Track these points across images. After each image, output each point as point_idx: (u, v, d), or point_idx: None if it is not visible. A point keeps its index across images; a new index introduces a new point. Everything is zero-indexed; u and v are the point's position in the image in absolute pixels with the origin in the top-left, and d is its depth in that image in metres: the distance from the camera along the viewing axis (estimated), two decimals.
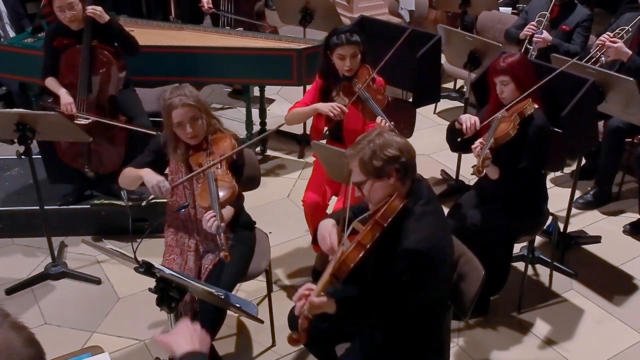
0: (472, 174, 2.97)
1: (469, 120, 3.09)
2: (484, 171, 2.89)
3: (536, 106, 3.07)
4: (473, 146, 2.98)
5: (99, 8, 3.66)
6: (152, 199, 2.85)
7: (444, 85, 5.74)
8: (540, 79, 3.12)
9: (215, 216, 2.56)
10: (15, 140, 3.28)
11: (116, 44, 3.84)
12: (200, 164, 2.78)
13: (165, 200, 2.96)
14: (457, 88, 5.98)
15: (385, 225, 2.16)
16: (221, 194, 2.67)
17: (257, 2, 5.53)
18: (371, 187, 2.22)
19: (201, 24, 5.59)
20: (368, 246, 2.13)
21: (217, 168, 2.75)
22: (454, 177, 4.52)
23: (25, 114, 3.24)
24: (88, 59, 3.72)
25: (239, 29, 5.04)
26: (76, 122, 3.65)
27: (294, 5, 4.93)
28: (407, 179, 2.24)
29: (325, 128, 3.54)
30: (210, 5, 5.23)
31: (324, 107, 3.31)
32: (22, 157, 3.32)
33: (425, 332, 2.35)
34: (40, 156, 3.97)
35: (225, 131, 2.92)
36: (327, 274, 2.11)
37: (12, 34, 4.89)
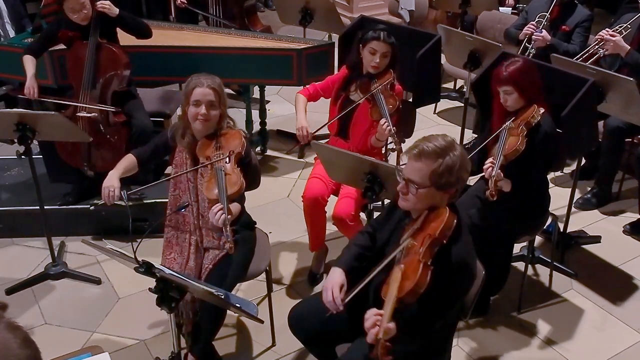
0: (485, 197, 2.89)
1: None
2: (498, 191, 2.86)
3: (542, 110, 3.05)
4: (485, 167, 2.92)
5: (108, 2, 3.67)
6: (104, 203, 2.89)
7: (444, 85, 5.73)
8: (542, 80, 3.11)
9: (222, 209, 2.55)
10: (16, 140, 3.27)
11: (129, 32, 3.87)
12: (209, 156, 2.78)
13: (167, 200, 2.97)
14: (457, 88, 5.98)
15: (445, 242, 2.14)
16: (229, 188, 2.67)
17: (246, 1, 5.53)
18: (425, 193, 2.18)
19: (197, 24, 5.59)
20: (429, 263, 2.10)
21: (226, 162, 2.75)
22: None
23: (25, 114, 3.23)
24: (94, 55, 3.72)
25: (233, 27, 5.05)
26: (78, 114, 3.68)
27: (293, 5, 4.92)
28: (454, 199, 2.25)
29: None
30: (184, 1, 5.24)
31: (298, 122, 3.42)
32: (22, 157, 3.33)
33: (437, 335, 2.33)
34: (40, 156, 3.97)
35: (235, 128, 2.94)
36: (392, 296, 2.04)
37: (12, 33, 4.88)
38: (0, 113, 3.36)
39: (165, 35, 4.64)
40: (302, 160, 4.91)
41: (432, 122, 5.43)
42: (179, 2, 5.26)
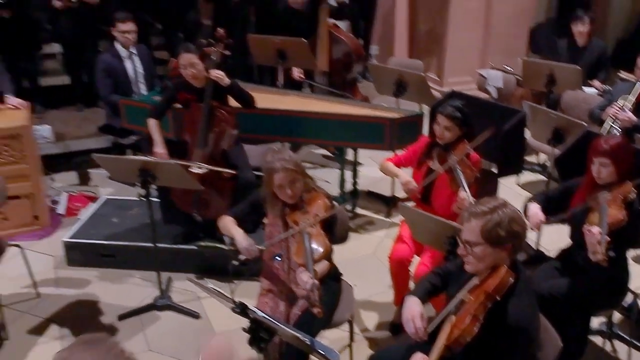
0: (594, 262, 2.68)
1: (535, 219, 2.98)
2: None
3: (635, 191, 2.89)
4: (591, 232, 2.69)
5: (222, 72, 3.86)
6: (247, 259, 2.91)
7: (527, 158, 5.59)
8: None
9: (310, 276, 2.54)
10: (138, 184, 3.44)
11: (236, 101, 4.03)
12: (296, 221, 2.79)
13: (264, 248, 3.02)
14: (540, 162, 5.82)
15: (499, 298, 2.09)
16: (315, 252, 2.66)
17: (349, 74, 5.66)
18: (482, 251, 2.15)
19: (300, 90, 5.77)
20: (481, 317, 2.06)
21: (312, 227, 2.76)
22: (534, 247, 4.35)
23: (148, 162, 3.41)
24: (207, 116, 3.90)
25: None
26: (191, 170, 3.82)
27: (389, 78, 5.00)
28: (515, 255, 2.19)
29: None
30: (302, 75, 5.42)
31: (402, 178, 3.39)
32: (143, 199, 3.48)
33: None
34: (157, 199, 4.16)
35: (318, 190, 2.95)
36: (440, 344, 2.02)
37: (144, 92, 5.21)
38: (127, 160, 3.58)
39: (272, 99, 4.80)
40: (388, 219, 4.88)
41: (514, 193, 5.28)
42: (297, 76, 5.47)
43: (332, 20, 5.70)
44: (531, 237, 4.40)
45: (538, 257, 4.24)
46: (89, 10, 5.72)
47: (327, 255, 2.77)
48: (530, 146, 5.23)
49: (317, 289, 2.51)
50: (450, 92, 4.27)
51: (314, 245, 2.69)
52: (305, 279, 2.55)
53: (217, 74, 3.87)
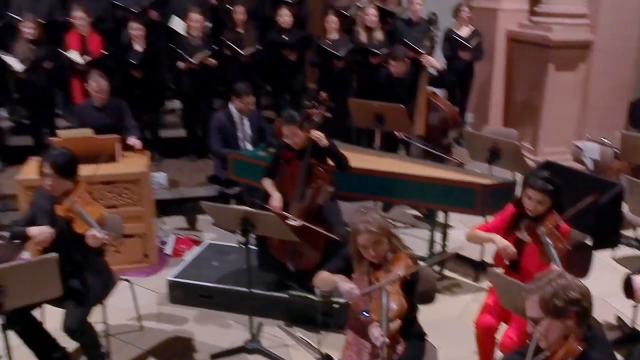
0: None
1: None
2: None
3: None
4: None
5: (321, 134, 3.96)
6: (346, 302, 2.89)
7: (624, 232, 5.25)
8: None
9: (382, 333, 2.51)
10: (238, 232, 3.54)
11: (332, 161, 4.09)
12: (378, 279, 2.79)
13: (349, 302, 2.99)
14: (638, 237, 5.44)
15: None
16: (391, 310, 2.64)
17: (444, 139, 5.62)
18: (547, 325, 2.08)
19: (396, 152, 5.78)
20: None
21: (390, 285, 2.73)
22: (629, 325, 4.02)
23: (249, 212, 3.50)
24: (306, 173, 3.99)
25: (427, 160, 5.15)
26: (287, 222, 3.89)
27: (483, 145, 4.91)
28: (583, 323, 2.07)
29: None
30: (404, 137, 5.45)
31: (499, 242, 3.21)
32: (242, 245, 3.58)
33: None
34: (255, 247, 4.24)
35: (404, 251, 2.91)
36: None
37: (250, 147, 5.41)
38: (230, 209, 3.71)
39: (368, 160, 4.84)
40: (476, 284, 4.71)
41: (609, 266, 4.95)
42: (400, 136, 5.52)
43: (430, 88, 5.74)
44: (627, 315, 4.10)
45: (634, 335, 3.93)
46: (208, 72, 6.09)
47: (402, 315, 2.72)
48: (627, 220, 4.92)
49: (386, 346, 2.47)
50: (545, 162, 4.13)
51: (390, 303, 2.66)
52: (377, 335, 2.52)
53: (317, 135, 3.97)
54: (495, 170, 4.91)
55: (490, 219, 3.54)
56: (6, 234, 3.86)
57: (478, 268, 4.80)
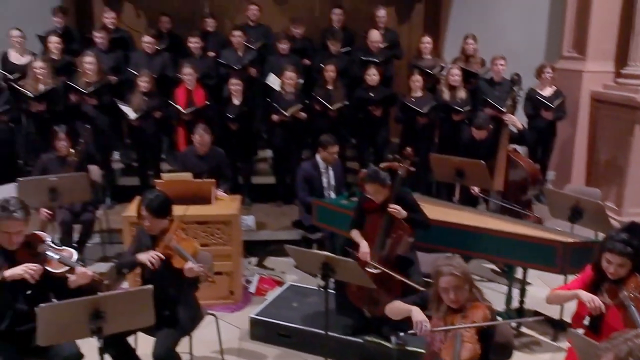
0: None
1: None
2: None
3: None
4: None
5: (399, 207, 3.91)
6: (414, 334, 2.82)
7: None
8: None
9: None
10: (319, 275, 3.56)
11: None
12: (454, 323, 2.72)
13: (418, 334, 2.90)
14: None
15: None
16: (463, 354, 2.57)
17: (524, 196, 5.43)
18: None
19: (475, 207, 5.64)
20: None
21: (467, 331, 2.65)
22: None
23: (331, 258, 3.51)
24: (387, 224, 3.97)
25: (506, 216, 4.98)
26: (366, 269, 3.86)
27: (565, 202, 4.70)
28: None
29: (587, 317, 3.18)
30: (479, 194, 5.33)
31: (585, 295, 3.02)
32: (321, 289, 3.59)
33: None
34: (333, 291, 4.22)
35: (483, 302, 2.83)
36: None
37: (333, 196, 5.48)
38: (313, 253, 3.74)
39: (448, 213, 4.76)
40: (554, 343, 4.43)
41: None
42: (476, 192, 5.44)
43: (512, 145, 5.60)
44: None
45: None
46: (298, 124, 6.28)
47: None
48: None
49: None
50: (630, 223, 3.89)
51: (463, 347, 2.59)
52: None
53: (394, 209, 3.90)
54: (577, 229, 4.68)
55: (570, 279, 3.36)
56: (113, 263, 4.10)
57: (557, 327, 4.52)
